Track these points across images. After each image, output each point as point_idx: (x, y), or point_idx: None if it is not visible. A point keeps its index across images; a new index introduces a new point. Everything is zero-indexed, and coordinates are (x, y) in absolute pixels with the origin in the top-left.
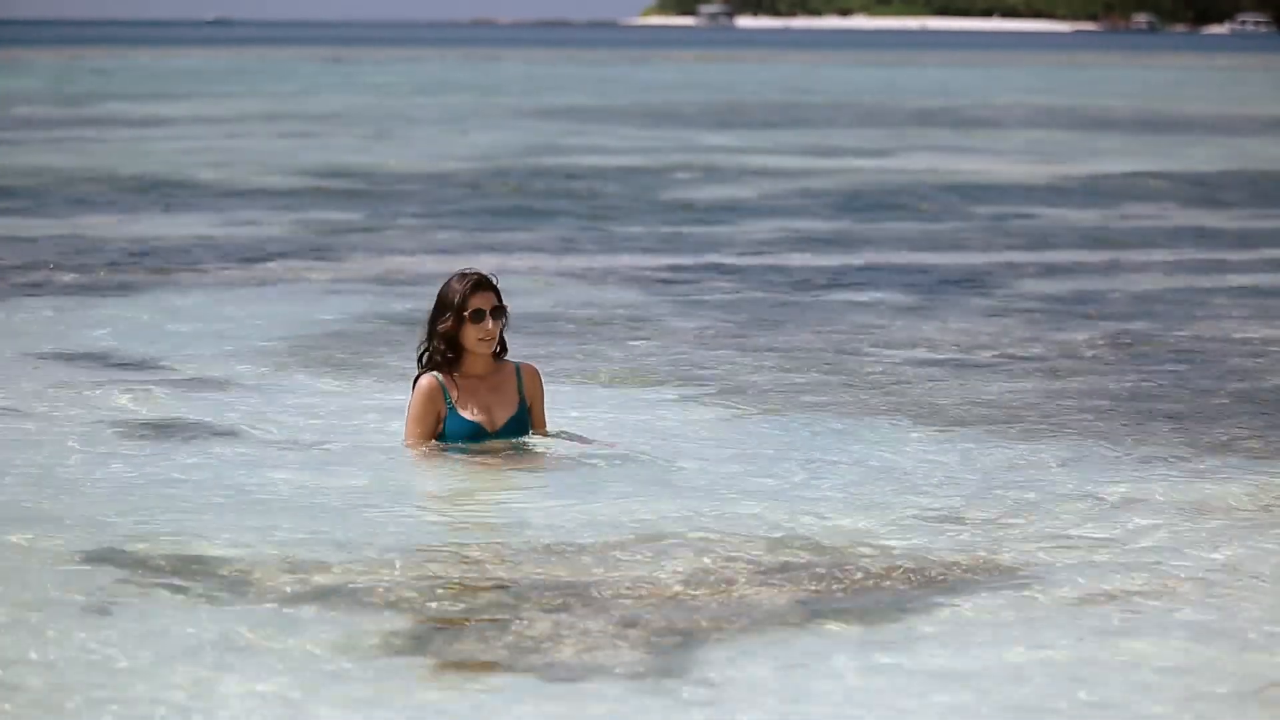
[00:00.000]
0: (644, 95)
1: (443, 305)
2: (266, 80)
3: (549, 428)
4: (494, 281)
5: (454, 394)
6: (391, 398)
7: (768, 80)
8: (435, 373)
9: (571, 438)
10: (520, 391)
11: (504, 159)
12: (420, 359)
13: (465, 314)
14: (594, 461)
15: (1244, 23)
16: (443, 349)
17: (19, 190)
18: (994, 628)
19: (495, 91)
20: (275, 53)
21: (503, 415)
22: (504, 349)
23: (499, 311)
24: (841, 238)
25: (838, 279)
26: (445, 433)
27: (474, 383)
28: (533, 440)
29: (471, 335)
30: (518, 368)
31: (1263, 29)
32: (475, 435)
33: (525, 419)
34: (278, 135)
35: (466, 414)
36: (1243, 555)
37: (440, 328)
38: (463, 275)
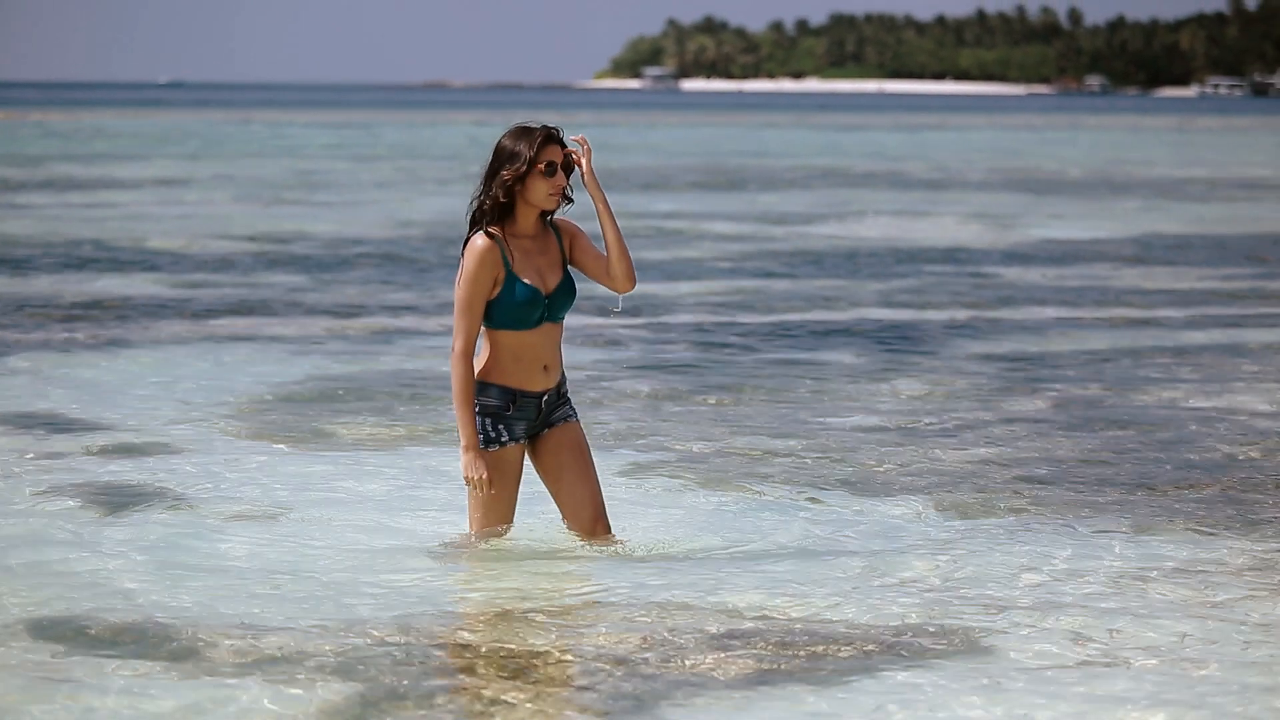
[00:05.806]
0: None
1: (510, 158)
2: (217, 143)
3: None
4: (561, 134)
5: (511, 256)
6: (341, 462)
7: (717, 141)
8: (490, 231)
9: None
10: (562, 251)
11: (455, 222)
12: (473, 217)
13: (539, 167)
14: (545, 530)
15: (1216, 86)
16: (499, 196)
17: None
18: (946, 697)
19: (447, 155)
20: (228, 115)
21: (553, 280)
22: (568, 200)
23: (569, 164)
24: (792, 301)
25: (787, 342)
26: (501, 298)
27: (525, 243)
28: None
29: (541, 190)
30: (555, 226)
31: (1237, 93)
32: (533, 300)
33: (572, 285)
34: (228, 198)
35: (525, 278)
36: (1192, 624)
37: (505, 175)
38: (526, 129)
